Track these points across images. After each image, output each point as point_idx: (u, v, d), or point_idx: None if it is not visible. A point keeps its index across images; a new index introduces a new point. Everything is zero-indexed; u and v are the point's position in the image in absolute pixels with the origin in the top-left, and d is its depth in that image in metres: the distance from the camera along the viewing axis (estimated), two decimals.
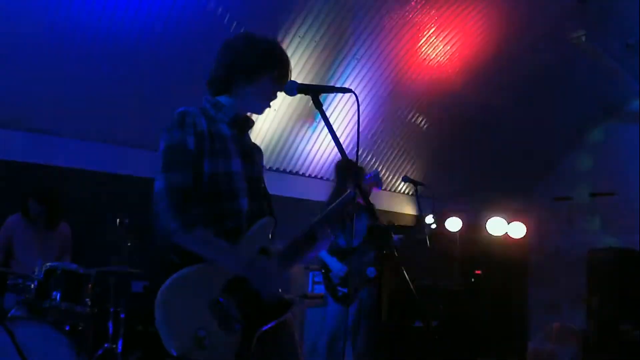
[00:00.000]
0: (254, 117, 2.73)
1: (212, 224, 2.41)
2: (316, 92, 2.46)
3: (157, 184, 2.37)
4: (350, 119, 7.46)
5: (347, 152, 2.36)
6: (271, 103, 2.68)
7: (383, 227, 2.19)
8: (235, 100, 2.60)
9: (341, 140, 2.35)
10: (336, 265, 5.21)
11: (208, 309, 2.30)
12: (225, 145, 2.50)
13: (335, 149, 7.65)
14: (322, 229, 2.59)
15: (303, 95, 2.50)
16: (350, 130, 7.55)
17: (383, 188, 8.71)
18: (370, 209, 2.24)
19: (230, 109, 2.59)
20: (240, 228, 2.47)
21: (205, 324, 2.27)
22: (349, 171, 2.12)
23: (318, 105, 2.41)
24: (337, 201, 2.67)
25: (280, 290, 2.47)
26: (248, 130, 2.71)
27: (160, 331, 2.21)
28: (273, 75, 2.57)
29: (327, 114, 2.41)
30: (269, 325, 2.42)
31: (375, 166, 8.25)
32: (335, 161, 5.82)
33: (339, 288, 5.22)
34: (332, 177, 5.73)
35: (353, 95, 2.42)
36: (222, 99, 2.62)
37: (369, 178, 3.92)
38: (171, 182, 2.35)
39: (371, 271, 5.22)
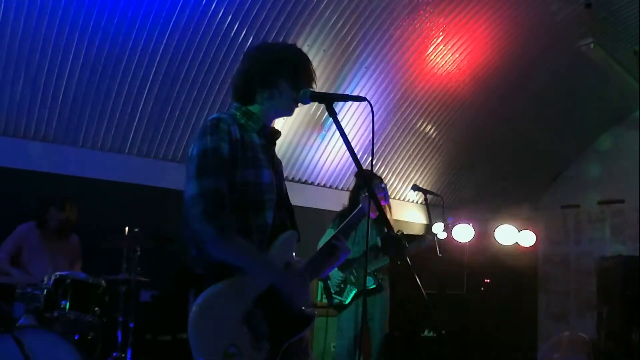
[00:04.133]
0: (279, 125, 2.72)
1: (239, 236, 2.37)
2: (330, 101, 2.44)
3: (189, 190, 2.32)
4: (360, 127, 7.46)
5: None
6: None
7: (396, 237, 2.17)
8: (260, 107, 2.57)
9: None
10: (334, 274, 5.25)
11: (239, 325, 2.27)
12: (256, 155, 2.46)
13: (344, 158, 7.67)
14: (341, 243, 2.60)
15: (312, 104, 2.49)
16: (360, 138, 7.54)
17: (393, 197, 8.70)
18: (383, 218, 2.23)
19: (258, 117, 2.56)
20: (264, 241, 2.43)
21: (236, 341, 2.24)
22: (363, 181, 2.12)
23: (332, 114, 2.39)
24: (351, 216, 2.68)
25: (306, 301, 2.47)
26: (275, 141, 2.67)
27: (192, 347, 2.18)
28: (291, 78, 2.52)
29: None
30: (293, 340, 2.40)
31: (385, 175, 8.24)
32: (346, 169, 5.83)
33: (334, 295, 5.27)
34: (341, 186, 5.73)
35: (363, 104, 2.40)
36: (250, 107, 2.58)
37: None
38: (205, 188, 2.30)
39: (369, 281, 5.22)
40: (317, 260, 2.60)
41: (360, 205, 2.78)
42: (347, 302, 5.21)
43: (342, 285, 5.25)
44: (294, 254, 2.54)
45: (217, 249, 2.31)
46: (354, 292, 5.21)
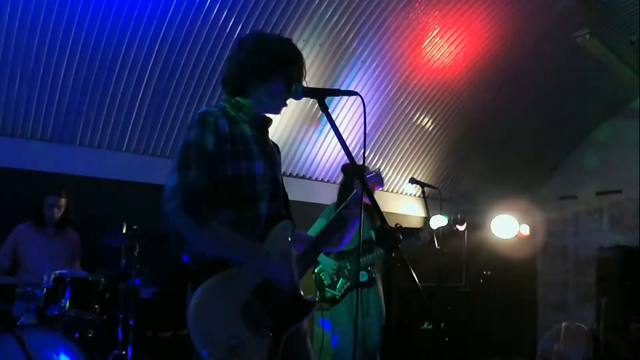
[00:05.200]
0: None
1: (233, 229, 2.37)
2: (322, 95, 2.44)
3: (169, 182, 2.29)
4: (357, 121, 7.47)
5: (353, 154, 2.35)
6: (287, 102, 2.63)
7: (390, 229, 2.17)
8: (251, 100, 2.56)
9: (347, 143, 2.35)
10: (328, 263, 5.23)
11: (239, 316, 2.28)
12: (247, 147, 2.45)
13: (341, 153, 7.68)
14: (351, 211, 2.61)
15: (309, 98, 2.49)
16: (357, 133, 7.55)
17: (390, 190, 8.71)
18: (377, 209, 2.24)
19: (249, 108, 2.55)
20: (259, 232, 2.43)
21: (238, 332, 2.25)
22: (354, 172, 2.14)
23: (324, 109, 2.40)
24: (347, 201, 2.69)
25: (298, 283, 2.47)
26: (267, 130, 2.67)
27: (194, 341, 2.19)
28: (286, 75, 2.52)
29: (333, 116, 2.40)
30: (294, 327, 2.41)
31: (382, 168, 8.24)
32: (342, 163, 5.85)
33: (327, 289, 5.25)
34: (339, 180, 5.74)
35: (359, 98, 2.41)
36: (240, 99, 2.57)
37: (370, 177, 3.91)
38: (184, 181, 2.27)
39: (362, 275, 5.22)
40: (326, 232, 2.62)
41: (355, 191, 2.79)
42: (339, 295, 5.19)
43: (335, 278, 5.23)
44: (289, 241, 2.54)
45: (197, 239, 2.29)
46: (347, 285, 5.21)
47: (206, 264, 2.34)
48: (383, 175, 4.19)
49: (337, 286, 5.22)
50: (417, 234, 5.31)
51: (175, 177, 2.29)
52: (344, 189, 5.26)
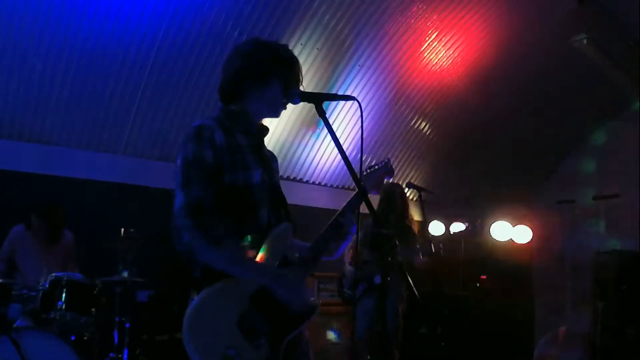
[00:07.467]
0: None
1: (234, 237, 2.37)
2: (319, 100, 2.44)
3: (177, 201, 2.31)
4: (354, 126, 7.47)
5: (350, 159, 2.34)
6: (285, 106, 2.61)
7: (385, 235, 2.17)
8: (248, 106, 2.55)
9: (345, 147, 2.35)
10: (349, 270, 5.79)
11: (236, 326, 2.26)
12: (244, 157, 2.45)
13: (339, 156, 7.66)
14: (347, 219, 2.58)
15: (306, 103, 2.49)
16: (354, 137, 7.55)
17: None
18: (374, 214, 2.24)
19: (245, 117, 2.54)
20: (261, 238, 2.43)
21: (235, 342, 2.24)
22: (353, 177, 2.12)
23: (321, 113, 2.39)
24: (351, 198, 2.67)
25: (307, 298, 2.45)
26: (264, 138, 2.66)
27: (189, 352, 2.17)
28: (283, 79, 2.51)
29: (331, 121, 2.39)
30: (294, 334, 2.39)
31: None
32: (339, 167, 6.13)
33: (345, 290, 5.83)
34: (336, 184, 5.93)
35: (356, 103, 2.40)
36: (236, 107, 2.56)
37: (379, 167, 3.85)
38: (191, 199, 2.29)
39: (377, 278, 5.55)
40: (323, 239, 2.57)
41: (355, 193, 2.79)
42: (357, 297, 5.69)
43: (352, 282, 5.75)
44: (289, 245, 2.52)
45: (207, 259, 2.30)
46: (365, 288, 5.67)
47: (209, 272, 2.32)
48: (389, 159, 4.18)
49: (356, 290, 5.74)
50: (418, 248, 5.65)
51: (181, 197, 2.31)
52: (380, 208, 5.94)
